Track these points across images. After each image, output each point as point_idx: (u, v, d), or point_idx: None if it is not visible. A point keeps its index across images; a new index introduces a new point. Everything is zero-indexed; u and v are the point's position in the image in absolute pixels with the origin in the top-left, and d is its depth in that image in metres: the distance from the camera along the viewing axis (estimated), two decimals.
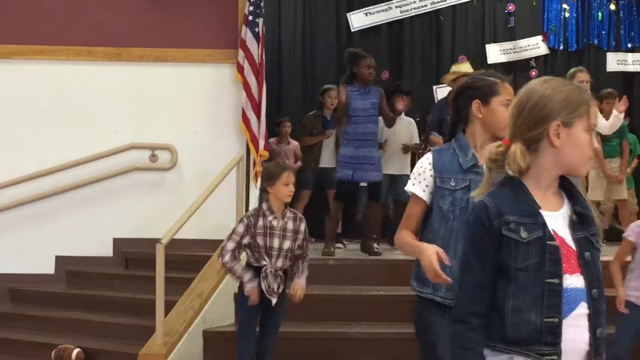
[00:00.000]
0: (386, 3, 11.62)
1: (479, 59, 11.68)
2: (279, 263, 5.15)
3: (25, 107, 7.72)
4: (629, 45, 11.50)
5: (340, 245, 8.76)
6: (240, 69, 7.40)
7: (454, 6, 11.72)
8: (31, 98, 7.73)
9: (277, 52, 11.36)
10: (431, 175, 3.46)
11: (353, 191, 7.87)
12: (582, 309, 2.39)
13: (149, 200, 7.67)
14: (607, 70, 11.31)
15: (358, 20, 11.62)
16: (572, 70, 8.11)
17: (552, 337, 2.35)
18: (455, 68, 8.37)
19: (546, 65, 11.52)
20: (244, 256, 5.28)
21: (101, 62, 7.77)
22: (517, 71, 11.56)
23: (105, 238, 7.64)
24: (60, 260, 7.64)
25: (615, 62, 11.45)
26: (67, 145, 7.62)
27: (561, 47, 11.52)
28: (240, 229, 5.14)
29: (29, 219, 7.63)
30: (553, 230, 2.41)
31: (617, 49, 11.48)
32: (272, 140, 9.97)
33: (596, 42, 11.52)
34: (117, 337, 6.49)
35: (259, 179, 7.45)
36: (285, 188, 5.12)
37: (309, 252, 5.37)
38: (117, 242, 7.66)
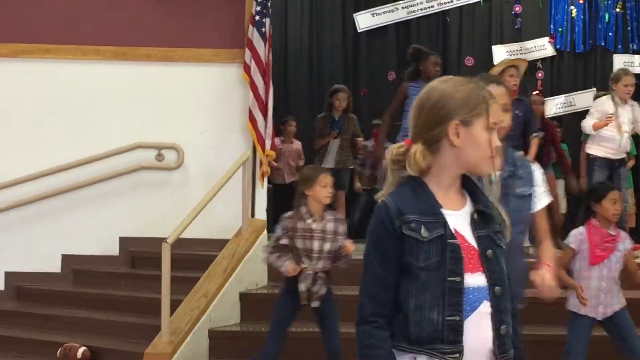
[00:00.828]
0: (393, 4, 11.63)
1: (485, 60, 11.68)
2: (320, 265, 5.17)
3: (31, 106, 7.73)
4: (636, 47, 11.48)
5: None
6: (247, 69, 7.40)
7: (460, 7, 11.72)
8: (38, 97, 7.74)
9: (283, 52, 11.38)
10: None
11: None
12: (485, 307, 2.37)
13: (155, 199, 7.67)
14: (614, 72, 11.30)
15: (364, 20, 11.62)
16: (617, 70, 8.10)
17: (454, 335, 2.33)
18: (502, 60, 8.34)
19: (552, 66, 11.52)
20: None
21: (108, 61, 7.77)
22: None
23: (112, 237, 7.64)
24: (66, 259, 7.65)
25: (621, 64, 11.42)
26: (74, 144, 7.63)
27: (568, 49, 11.51)
28: (279, 231, 5.23)
29: (36, 218, 7.64)
30: (454, 228, 2.39)
31: (624, 50, 11.46)
32: (275, 139, 10.01)
33: (603, 44, 11.50)
34: (123, 336, 6.49)
35: (265, 179, 7.50)
36: (323, 190, 5.16)
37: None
38: (123, 241, 7.66)
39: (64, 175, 7.59)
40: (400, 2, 11.63)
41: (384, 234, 2.40)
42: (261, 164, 7.37)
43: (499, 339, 2.37)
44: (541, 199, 3.68)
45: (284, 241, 5.17)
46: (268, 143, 7.37)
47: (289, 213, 5.28)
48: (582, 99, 11.02)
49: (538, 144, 7.65)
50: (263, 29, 7.41)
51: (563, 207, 9.73)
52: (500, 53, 11.48)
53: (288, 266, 5.10)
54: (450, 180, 2.44)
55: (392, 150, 2.49)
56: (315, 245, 5.16)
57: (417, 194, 2.41)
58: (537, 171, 3.72)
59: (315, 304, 5.18)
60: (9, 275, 7.62)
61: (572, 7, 11.43)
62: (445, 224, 2.37)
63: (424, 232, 2.35)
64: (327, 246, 5.18)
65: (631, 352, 5.14)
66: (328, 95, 9.19)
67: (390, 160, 2.48)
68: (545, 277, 3.51)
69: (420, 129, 2.42)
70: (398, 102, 7.63)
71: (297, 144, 9.99)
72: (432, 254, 2.35)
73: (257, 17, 7.41)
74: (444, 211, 2.39)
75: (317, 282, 5.15)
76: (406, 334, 2.36)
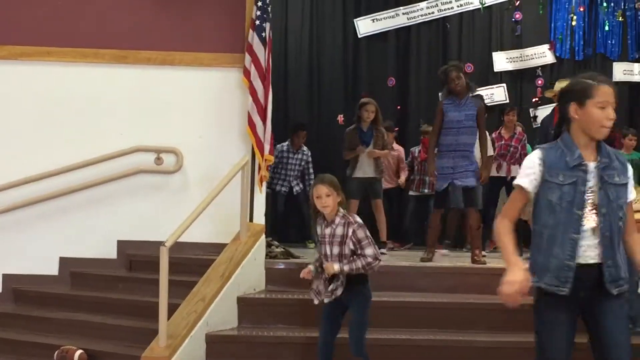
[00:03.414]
0: (393, 10, 11.66)
1: (485, 67, 11.71)
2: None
3: (31, 108, 7.73)
4: (636, 55, 11.50)
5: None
6: (247, 74, 7.40)
7: (461, 14, 11.76)
8: (37, 99, 7.74)
9: (283, 57, 11.40)
10: (540, 170, 3.76)
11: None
12: None
13: (154, 202, 7.67)
14: (613, 80, 11.31)
15: (365, 26, 11.65)
16: None
17: None
18: (558, 84, 8.44)
19: (552, 74, 11.53)
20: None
21: (108, 64, 7.77)
22: (523, 80, 11.58)
23: (110, 240, 7.64)
24: (64, 262, 7.64)
25: (621, 72, 11.47)
26: (73, 147, 7.63)
27: (568, 56, 11.53)
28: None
29: (34, 220, 7.63)
30: None
31: (624, 59, 11.48)
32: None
33: (603, 52, 11.52)
34: (120, 339, 6.47)
35: (264, 183, 7.50)
36: (317, 200, 5.31)
37: (366, 253, 5.27)
38: (121, 244, 7.66)
39: (62, 178, 7.59)
40: (401, 8, 11.66)
41: None
42: (260, 168, 7.36)
43: None
44: (631, 192, 3.81)
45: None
46: (267, 148, 7.36)
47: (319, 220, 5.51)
48: None
49: None
50: (263, 34, 7.42)
51: None
52: (500, 60, 11.51)
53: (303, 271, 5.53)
54: None
55: None
56: (327, 249, 5.33)
57: None
58: (629, 165, 3.86)
59: (326, 299, 5.34)
60: (6, 278, 7.61)
61: (572, 15, 11.45)
62: None
63: None
64: (336, 250, 5.29)
65: None
66: (357, 107, 9.29)
67: None
68: None
69: None
70: (438, 121, 7.83)
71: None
72: None
73: (258, 22, 7.41)
74: None
75: (335, 282, 5.29)
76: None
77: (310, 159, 10.31)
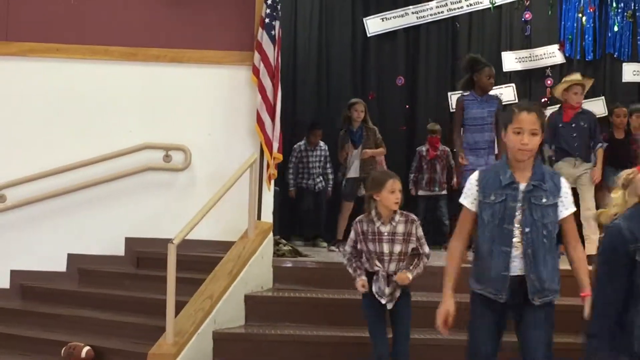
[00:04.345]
0: (402, 9, 11.61)
1: (494, 67, 11.65)
2: (392, 267, 5.24)
3: (39, 105, 7.74)
4: None
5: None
6: (256, 71, 7.40)
7: (470, 13, 11.70)
8: (46, 96, 7.74)
9: (292, 55, 11.37)
10: (476, 191, 4.16)
11: None
12: None
13: (162, 200, 7.68)
14: (623, 80, 11.29)
15: (374, 25, 11.61)
16: None
17: None
18: (566, 78, 8.38)
19: (562, 74, 11.47)
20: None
21: (117, 61, 7.78)
22: (532, 80, 11.53)
23: (118, 237, 7.65)
24: (72, 258, 7.65)
25: (631, 73, 11.41)
26: (81, 144, 7.64)
27: (577, 57, 11.48)
28: (352, 235, 5.39)
29: (42, 217, 7.64)
30: None
31: (634, 59, 11.44)
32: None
33: (613, 52, 11.48)
34: (127, 336, 6.49)
35: (272, 181, 7.49)
36: (391, 195, 5.21)
37: (425, 252, 5.34)
38: (129, 241, 7.66)
39: (71, 175, 7.60)
40: (410, 7, 11.62)
41: (615, 257, 2.59)
42: (268, 166, 7.36)
43: None
44: (567, 208, 4.14)
45: (359, 246, 5.33)
46: (275, 146, 7.36)
47: (360, 217, 5.41)
48: (591, 107, 11.01)
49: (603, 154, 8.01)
50: (273, 32, 7.41)
51: None
52: (510, 60, 11.46)
53: (358, 283, 5.30)
54: None
55: (622, 175, 2.86)
56: (385, 247, 5.23)
57: None
58: (565, 183, 4.19)
59: (389, 305, 5.25)
60: (14, 274, 7.62)
61: (582, 15, 11.41)
62: None
63: None
64: (398, 248, 5.23)
65: None
66: (346, 108, 9.32)
67: (620, 184, 2.82)
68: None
69: None
70: (459, 116, 7.78)
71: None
72: None
73: (267, 20, 7.41)
74: None
75: (391, 284, 5.22)
76: (630, 349, 2.55)
77: (328, 154, 10.28)
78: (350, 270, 5.38)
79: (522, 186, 4.03)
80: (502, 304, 4.07)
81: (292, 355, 5.92)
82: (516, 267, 4.04)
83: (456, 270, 4.20)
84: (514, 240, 4.02)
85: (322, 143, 10.28)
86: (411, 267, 5.26)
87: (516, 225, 4.01)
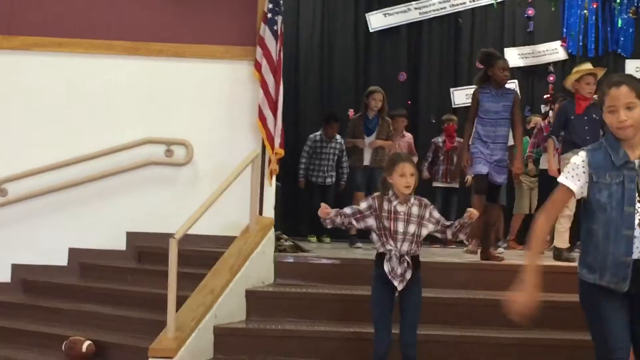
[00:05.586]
0: (405, 4, 11.63)
1: None
2: (405, 247, 5.17)
3: (42, 100, 7.74)
4: None
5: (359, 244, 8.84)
6: (258, 67, 7.39)
7: (473, 9, 11.72)
8: (48, 90, 7.74)
9: (295, 50, 11.38)
10: (585, 172, 3.82)
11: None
12: None
13: (164, 195, 7.68)
14: None
15: (377, 20, 11.62)
16: None
17: None
18: (577, 68, 8.32)
19: (564, 70, 11.48)
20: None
21: (119, 56, 7.77)
22: (535, 76, 11.54)
23: (119, 231, 7.65)
24: (73, 253, 7.66)
25: (634, 69, 11.41)
26: (83, 138, 7.64)
27: (580, 53, 11.48)
28: (364, 206, 5.26)
29: (44, 211, 7.65)
30: None
31: (636, 56, 11.43)
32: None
33: (615, 49, 11.47)
34: (128, 331, 6.48)
35: (274, 177, 7.49)
36: (401, 179, 5.16)
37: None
38: (130, 235, 7.67)
39: (72, 169, 7.60)
40: (413, 2, 11.63)
41: None
42: (270, 161, 7.36)
43: None
44: None
45: (370, 222, 5.22)
46: (277, 141, 7.36)
47: (377, 193, 5.34)
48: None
49: None
50: (275, 27, 7.41)
51: None
52: (512, 56, 11.46)
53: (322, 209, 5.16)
54: None
55: None
56: (400, 226, 5.19)
57: None
58: None
59: (399, 286, 5.15)
60: (15, 268, 7.63)
61: (585, 11, 11.40)
62: None
63: None
64: (412, 228, 5.19)
65: None
66: (365, 95, 9.31)
67: None
68: None
69: None
70: (473, 108, 7.63)
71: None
72: None
73: (270, 15, 7.41)
74: None
75: (402, 264, 5.15)
76: None
77: (344, 148, 10.19)
78: (337, 219, 5.23)
79: (637, 162, 3.75)
80: (625, 295, 3.74)
81: (293, 351, 5.92)
82: (638, 249, 3.70)
83: (540, 247, 3.92)
84: (637, 222, 3.69)
85: (338, 136, 10.17)
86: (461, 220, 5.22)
87: (638, 205, 3.71)
